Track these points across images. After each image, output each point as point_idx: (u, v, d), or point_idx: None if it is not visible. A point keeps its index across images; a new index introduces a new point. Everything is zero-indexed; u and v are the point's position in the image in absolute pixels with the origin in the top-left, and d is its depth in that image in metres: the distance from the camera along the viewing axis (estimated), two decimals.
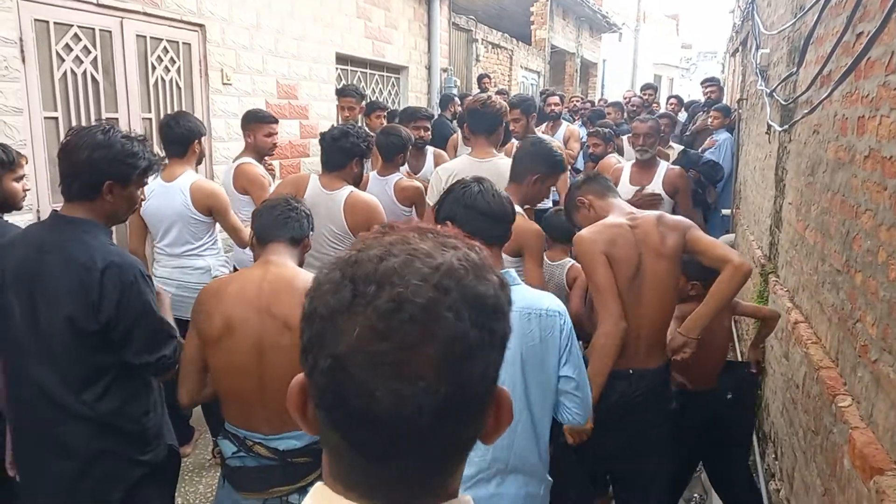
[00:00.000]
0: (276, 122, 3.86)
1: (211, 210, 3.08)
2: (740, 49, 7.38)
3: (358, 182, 3.21)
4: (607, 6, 17.31)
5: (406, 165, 4.15)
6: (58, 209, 1.87)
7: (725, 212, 6.62)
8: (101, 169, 1.79)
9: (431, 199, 3.21)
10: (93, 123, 1.93)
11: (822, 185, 2.68)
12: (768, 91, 3.91)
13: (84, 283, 1.73)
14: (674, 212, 4.06)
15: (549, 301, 1.81)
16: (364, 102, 5.10)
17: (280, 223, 1.98)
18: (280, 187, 3.19)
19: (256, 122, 3.75)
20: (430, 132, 4.51)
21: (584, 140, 6.59)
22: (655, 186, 4.12)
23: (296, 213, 2.04)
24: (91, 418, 1.81)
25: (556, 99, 6.38)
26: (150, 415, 1.94)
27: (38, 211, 3.31)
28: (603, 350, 2.23)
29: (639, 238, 2.32)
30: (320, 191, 3.04)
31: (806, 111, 2.79)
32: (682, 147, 5.62)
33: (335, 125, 3.24)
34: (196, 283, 3.14)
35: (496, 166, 3.07)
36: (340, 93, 5.07)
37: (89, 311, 1.74)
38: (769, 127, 3.93)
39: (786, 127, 3.35)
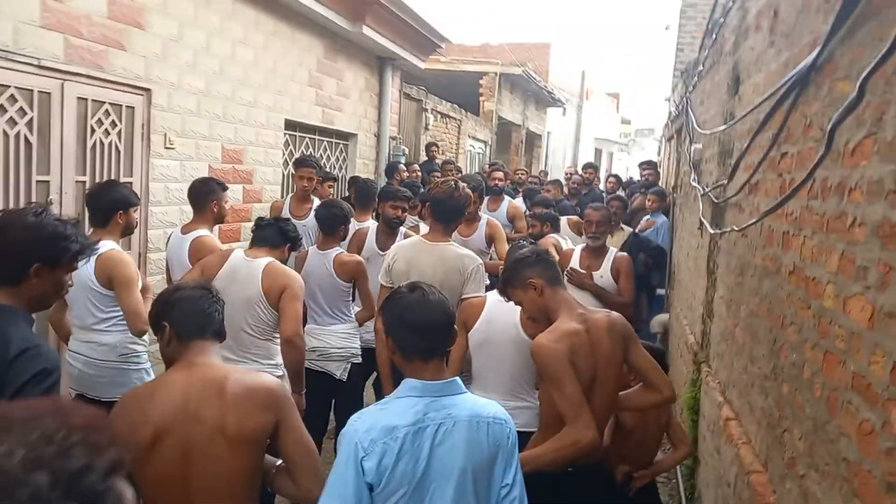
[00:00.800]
0: (226, 189, 3.79)
1: (110, 280, 2.91)
2: (675, 137, 7.79)
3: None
4: (553, 82, 18.12)
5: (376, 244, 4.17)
6: None
7: (660, 292, 6.83)
8: (30, 251, 1.72)
9: (382, 278, 3.22)
10: (23, 206, 1.84)
11: (750, 287, 2.80)
12: (701, 191, 4.10)
13: None
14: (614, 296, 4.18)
15: (496, 408, 1.79)
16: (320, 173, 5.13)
17: (204, 317, 1.88)
18: (211, 262, 3.11)
19: (224, 191, 3.67)
20: (406, 213, 4.47)
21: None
22: (605, 272, 4.24)
23: (217, 303, 1.95)
24: None
25: (499, 174, 6.54)
26: None
27: None
28: (567, 452, 2.18)
29: (593, 344, 2.33)
30: (243, 260, 3.06)
31: (733, 226, 2.92)
32: (632, 230, 5.81)
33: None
34: (103, 361, 2.98)
35: (443, 252, 3.11)
36: (300, 163, 5.01)
37: None
38: (701, 222, 4.11)
39: (717, 231, 3.51)
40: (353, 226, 4.23)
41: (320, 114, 6.64)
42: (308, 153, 6.62)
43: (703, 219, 4.03)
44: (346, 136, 7.42)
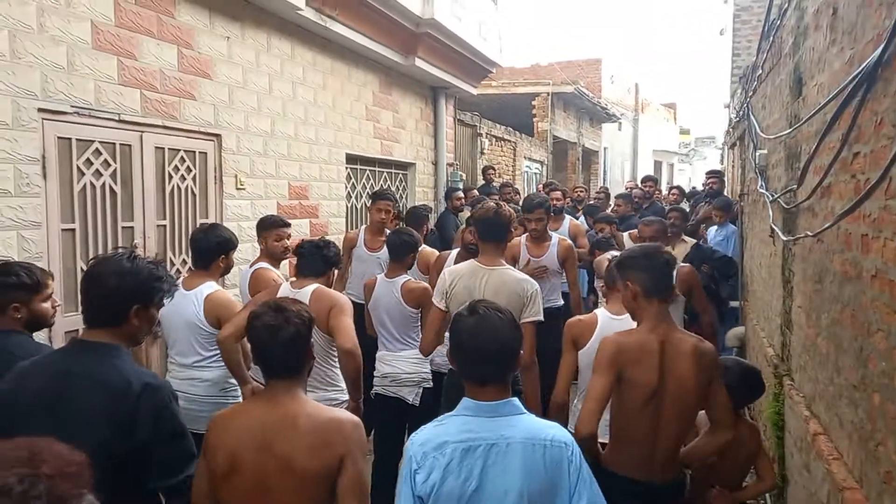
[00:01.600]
0: (287, 225, 3.96)
1: (220, 320, 3.08)
2: (738, 143, 7.58)
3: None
4: (606, 98, 17.98)
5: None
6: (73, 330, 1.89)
7: (734, 304, 6.60)
8: (130, 295, 1.85)
9: (436, 299, 3.24)
10: (114, 251, 1.97)
11: (830, 294, 2.69)
12: (770, 197, 3.98)
13: (119, 407, 1.72)
14: (688, 309, 4.07)
15: (556, 431, 1.73)
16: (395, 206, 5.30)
17: (284, 354, 1.89)
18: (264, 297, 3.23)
19: (267, 228, 3.86)
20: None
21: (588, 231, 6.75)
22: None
23: (299, 336, 1.93)
24: None
25: (558, 194, 6.52)
26: None
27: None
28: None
29: (667, 360, 2.29)
30: (289, 291, 3.15)
31: (807, 231, 2.82)
32: (695, 241, 5.66)
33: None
34: (203, 396, 3.11)
35: (501, 276, 3.10)
36: (378, 196, 5.09)
37: (124, 434, 1.71)
38: (773, 230, 3.98)
39: (791, 238, 3.38)
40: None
41: (379, 146, 6.81)
42: (370, 185, 6.79)
43: (774, 226, 3.89)
44: (404, 166, 7.57)
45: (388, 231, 5.00)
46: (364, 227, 5.32)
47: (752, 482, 2.81)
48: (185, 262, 4.22)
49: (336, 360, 3.09)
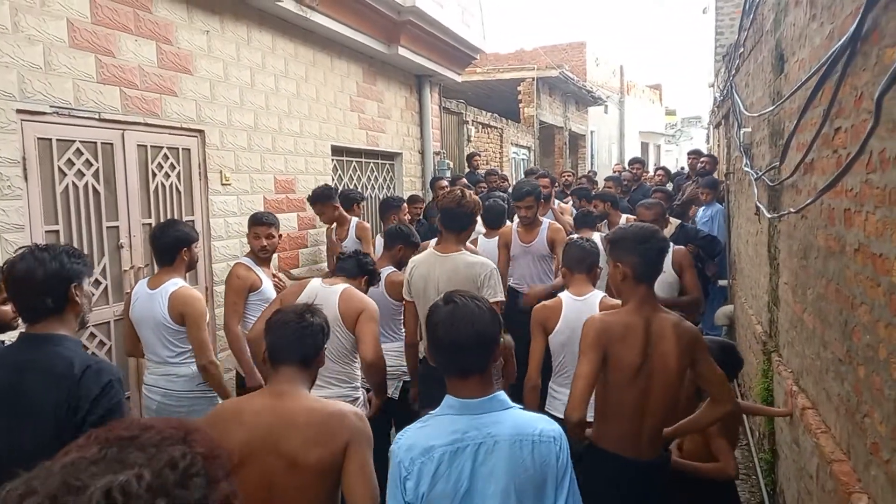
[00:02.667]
0: (263, 224, 3.83)
1: (183, 317, 3.05)
2: (723, 122, 7.60)
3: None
4: (591, 81, 17.95)
5: None
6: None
7: (722, 283, 6.65)
8: (63, 277, 1.90)
9: (405, 291, 3.31)
10: (21, 249, 1.98)
11: (815, 270, 2.71)
12: (755, 175, 4.00)
13: (63, 390, 1.80)
14: (681, 290, 4.09)
15: (544, 424, 1.70)
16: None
17: (291, 343, 1.95)
18: (289, 293, 3.24)
19: (250, 225, 3.90)
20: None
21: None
22: (667, 267, 4.14)
23: (310, 329, 1.99)
24: None
25: (546, 181, 6.51)
26: None
27: None
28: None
29: (652, 339, 2.31)
30: (320, 287, 3.15)
31: (791, 208, 2.83)
32: (679, 221, 5.69)
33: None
34: (180, 392, 3.12)
35: (454, 261, 3.14)
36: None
37: (70, 415, 1.79)
38: (758, 207, 4.00)
39: (775, 215, 3.41)
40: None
41: (364, 137, 6.78)
42: (357, 176, 6.77)
43: (759, 203, 3.92)
44: (391, 156, 7.54)
45: (353, 220, 5.16)
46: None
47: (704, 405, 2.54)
48: None
49: (358, 360, 3.11)
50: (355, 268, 3.22)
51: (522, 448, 1.63)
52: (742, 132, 4.70)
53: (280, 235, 3.98)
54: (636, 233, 2.42)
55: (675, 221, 5.60)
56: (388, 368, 3.62)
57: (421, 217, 6.56)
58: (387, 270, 3.70)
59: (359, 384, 3.16)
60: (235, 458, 1.76)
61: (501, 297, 3.14)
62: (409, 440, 1.67)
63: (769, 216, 3.58)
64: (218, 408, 1.98)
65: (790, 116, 3.11)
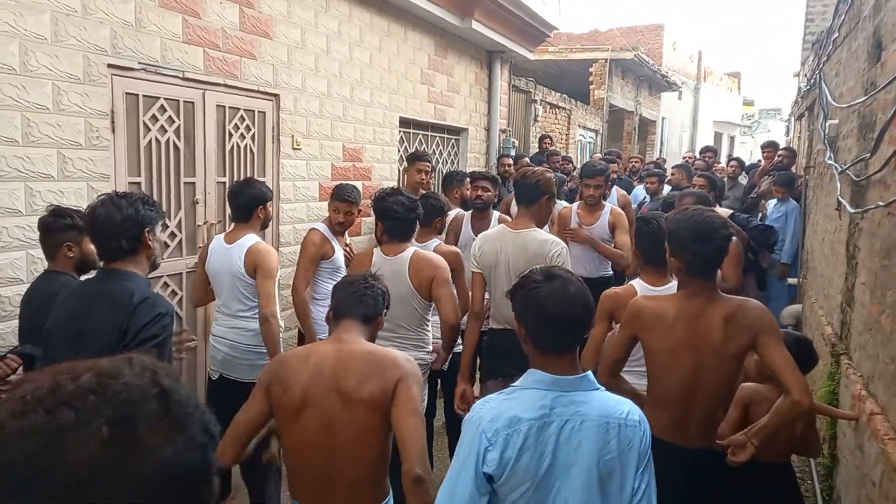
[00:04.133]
0: (349, 201, 3.99)
1: (255, 269, 3.17)
2: (806, 114, 7.24)
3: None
4: (667, 65, 17.37)
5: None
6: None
7: (792, 281, 6.40)
8: (138, 222, 2.08)
9: (472, 264, 3.32)
10: (100, 196, 2.17)
11: None
12: (839, 168, 3.81)
13: (118, 317, 1.99)
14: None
15: (630, 408, 1.69)
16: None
17: (354, 300, 2.10)
18: (355, 265, 3.34)
19: (333, 197, 4.05)
20: (489, 193, 4.65)
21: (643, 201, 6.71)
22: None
23: (372, 290, 2.14)
24: None
25: (614, 166, 6.42)
26: None
27: None
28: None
29: (699, 332, 2.27)
30: (383, 259, 3.19)
31: (880, 202, 2.69)
32: (731, 211, 5.48)
33: (396, 191, 3.36)
34: (247, 345, 3.25)
35: (524, 237, 3.15)
36: (416, 157, 5.30)
37: (120, 339, 1.98)
38: (839, 203, 3.82)
39: (859, 210, 3.25)
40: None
41: (432, 110, 6.79)
42: (423, 149, 6.80)
43: (841, 199, 3.74)
44: (457, 131, 7.54)
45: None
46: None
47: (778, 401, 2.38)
48: None
49: (429, 325, 3.22)
50: (408, 227, 3.23)
51: (609, 430, 1.62)
52: (828, 124, 4.48)
53: (360, 211, 4.09)
54: (692, 229, 2.26)
55: (725, 211, 5.36)
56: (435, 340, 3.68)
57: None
58: (433, 243, 3.69)
59: (430, 348, 3.26)
60: (298, 398, 1.88)
61: None
62: (492, 412, 1.63)
63: (851, 212, 3.41)
64: (287, 353, 2.11)
65: (884, 108, 2.94)
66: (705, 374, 2.28)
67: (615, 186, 6.49)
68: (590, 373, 1.73)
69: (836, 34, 4.67)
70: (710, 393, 2.31)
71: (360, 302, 2.09)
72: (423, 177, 5.14)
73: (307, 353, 2.04)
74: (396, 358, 1.99)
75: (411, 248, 3.16)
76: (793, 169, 7.34)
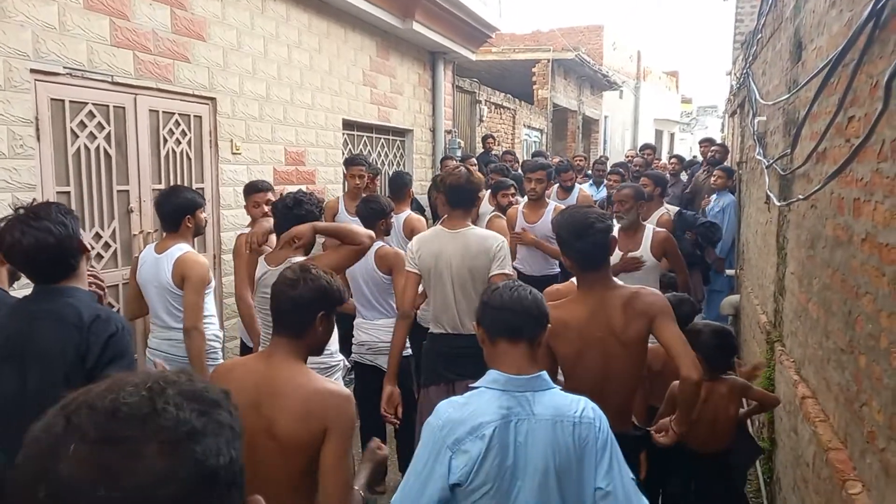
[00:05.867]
0: (263, 190, 3.96)
1: (183, 279, 3.06)
2: (738, 111, 7.52)
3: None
4: (607, 65, 17.76)
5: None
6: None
7: (730, 272, 6.63)
8: (72, 236, 2.00)
9: (408, 265, 3.26)
10: (15, 214, 2.00)
11: (822, 259, 2.70)
12: (766, 163, 3.97)
13: (72, 338, 1.90)
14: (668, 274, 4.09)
15: (584, 406, 1.70)
16: (371, 170, 5.30)
17: (281, 316, 1.91)
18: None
19: (246, 194, 4.00)
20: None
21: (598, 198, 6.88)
22: (644, 251, 4.09)
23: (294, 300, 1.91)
24: None
25: (570, 175, 6.55)
26: None
27: None
28: None
29: (602, 323, 2.32)
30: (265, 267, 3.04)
31: (800, 196, 2.82)
32: (678, 209, 5.64)
33: (289, 193, 3.15)
34: (183, 356, 3.12)
35: (465, 237, 3.14)
36: (350, 162, 5.23)
37: (79, 362, 1.89)
38: (768, 196, 3.98)
39: (784, 203, 3.39)
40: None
41: (376, 112, 6.76)
42: (366, 151, 6.76)
43: (769, 192, 3.90)
44: (402, 133, 7.52)
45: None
46: (342, 194, 5.37)
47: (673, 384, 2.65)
48: None
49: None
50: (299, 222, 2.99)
51: (563, 429, 1.64)
52: (756, 120, 4.66)
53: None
54: (571, 227, 2.37)
55: (672, 208, 5.51)
56: (384, 344, 3.58)
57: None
58: (376, 245, 3.66)
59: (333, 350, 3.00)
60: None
61: (510, 269, 3.15)
62: (451, 417, 1.65)
63: (779, 204, 3.56)
64: (217, 366, 2.02)
65: (805, 105, 3.08)
66: (614, 363, 2.33)
67: (578, 186, 6.67)
68: (543, 373, 1.75)
69: (761, 34, 4.86)
70: (621, 380, 2.37)
71: (284, 316, 1.90)
72: (359, 181, 5.07)
73: (233, 367, 1.96)
74: (328, 398, 1.78)
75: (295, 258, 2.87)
76: (726, 163, 7.61)
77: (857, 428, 2.11)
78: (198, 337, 3.05)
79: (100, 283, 2.38)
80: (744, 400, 3.05)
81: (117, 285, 3.80)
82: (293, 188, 5.25)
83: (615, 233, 4.17)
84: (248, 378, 1.85)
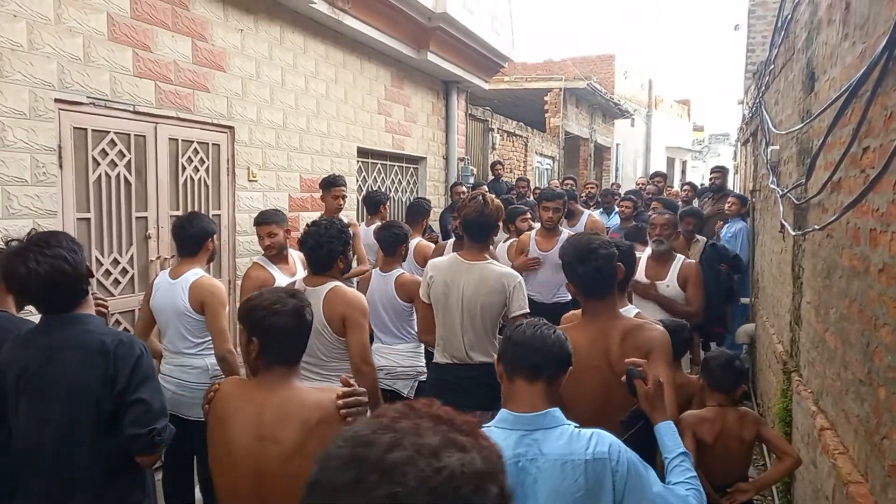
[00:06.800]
0: (266, 223, 3.78)
1: (203, 305, 3.08)
2: (751, 140, 7.54)
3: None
4: (619, 94, 17.89)
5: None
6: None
7: (744, 300, 6.58)
8: (82, 264, 2.00)
9: (421, 292, 3.22)
10: (29, 243, 1.97)
11: (838, 289, 2.68)
12: (780, 192, 3.97)
13: (100, 365, 1.91)
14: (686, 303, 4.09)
15: (595, 441, 1.63)
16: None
17: (290, 347, 1.90)
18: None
19: (255, 225, 3.87)
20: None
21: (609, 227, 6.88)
22: (671, 281, 4.12)
23: (305, 329, 1.94)
24: None
25: (578, 206, 6.58)
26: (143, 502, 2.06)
27: None
28: None
29: (599, 353, 2.28)
30: (304, 289, 2.96)
31: (815, 225, 2.81)
32: (711, 241, 5.62)
33: (316, 222, 3.09)
34: (194, 383, 3.12)
35: (481, 271, 3.07)
36: (332, 183, 4.90)
37: (108, 387, 1.90)
38: (783, 225, 3.97)
39: (800, 233, 3.38)
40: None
41: (390, 140, 6.84)
42: (381, 178, 6.83)
43: (784, 221, 3.89)
44: (415, 160, 7.60)
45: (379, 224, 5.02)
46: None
47: (773, 464, 2.78)
48: None
49: (346, 358, 2.97)
50: (327, 257, 2.95)
51: (573, 468, 1.58)
52: (770, 150, 4.66)
53: (288, 231, 3.92)
54: (574, 253, 2.35)
55: (702, 239, 5.50)
56: (403, 368, 3.64)
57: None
58: (396, 272, 3.67)
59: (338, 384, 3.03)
60: (224, 449, 1.80)
61: (527, 309, 3.07)
62: None
63: (794, 234, 3.55)
64: (216, 398, 1.96)
65: (819, 135, 3.09)
66: (612, 395, 2.26)
67: (586, 211, 6.68)
68: (554, 410, 1.69)
69: (773, 65, 4.90)
70: (620, 411, 2.31)
71: (297, 347, 1.93)
72: (342, 202, 4.91)
73: (230, 396, 1.93)
74: (324, 403, 1.84)
75: (331, 284, 2.92)
76: (733, 187, 7.60)
77: (877, 461, 2.07)
78: (231, 360, 3.06)
79: (104, 305, 2.39)
80: (756, 462, 3.00)
81: (133, 310, 3.84)
82: (308, 215, 5.32)
83: (645, 258, 4.21)
84: (249, 410, 1.82)
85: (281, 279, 3.73)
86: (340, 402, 1.83)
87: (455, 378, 3.11)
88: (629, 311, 2.90)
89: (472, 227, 3.14)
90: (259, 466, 1.78)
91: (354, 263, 4.67)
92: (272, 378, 1.86)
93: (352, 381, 1.94)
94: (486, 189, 7.85)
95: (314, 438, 1.77)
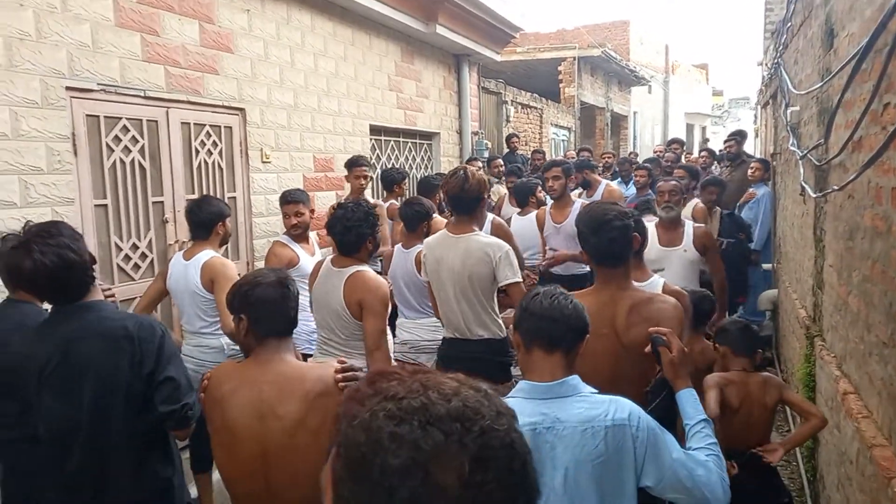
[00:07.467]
0: (293, 202, 3.83)
1: (213, 283, 3.11)
2: (770, 102, 7.36)
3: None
4: (635, 60, 17.56)
5: None
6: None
7: (767, 266, 6.49)
8: (87, 253, 1.99)
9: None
10: (29, 236, 1.94)
11: (861, 251, 2.63)
12: (800, 154, 3.88)
13: (126, 349, 1.91)
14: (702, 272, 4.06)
15: (615, 407, 1.63)
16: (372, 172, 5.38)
17: (280, 318, 1.91)
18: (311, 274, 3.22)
19: (280, 204, 3.95)
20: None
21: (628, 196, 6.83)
22: (687, 245, 4.07)
23: (293, 301, 1.95)
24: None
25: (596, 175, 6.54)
26: (174, 477, 2.11)
27: None
28: None
29: (606, 321, 2.24)
30: (330, 269, 3.01)
31: (836, 186, 2.74)
32: (728, 211, 5.56)
33: (341, 204, 3.09)
34: (211, 363, 3.11)
35: (466, 243, 3.05)
36: (354, 163, 5.01)
37: (136, 370, 1.92)
38: (803, 187, 3.89)
39: (821, 194, 3.31)
40: None
41: (402, 116, 6.80)
42: (395, 156, 6.80)
43: (804, 184, 3.81)
44: (428, 136, 7.55)
45: (401, 201, 5.02)
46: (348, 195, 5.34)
47: (798, 425, 2.77)
48: None
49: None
50: (354, 238, 2.93)
51: (594, 434, 1.57)
52: (789, 111, 4.55)
53: (312, 211, 4.00)
54: (588, 222, 2.33)
55: (717, 210, 5.41)
56: (426, 342, 3.66)
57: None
58: (416, 249, 3.68)
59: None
60: (225, 430, 1.81)
61: (518, 278, 3.04)
62: None
63: (815, 196, 3.47)
64: (210, 381, 1.96)
65: (839, 94, 3.00)
66: (621, 365, 2.24)
67: (604, 181, 6.64)
68: (572, 377, 1.68)
69: (791, 23, 4.76)
70: (631, 381, 2.28)
71: (286, 317, 1.95)
72: (364, 181, 4.95)
73: (227, 378, 1.95)
74: (327, 380, 1.87)
75: (355, 268, 2.91)
76: (755, 153, 7.47)
77: None
78: None
79: (110, 291, 2.41)
80: (781, 429, 2.99)
81: None
82: (323, 195, 5.34)
83: (653, 228, 4.16)
84: (246, 389, 1.85)
85: (305, 257, 3.79)
86: (339, 376, 1.86)
87: (458, 352, 3.13)
88: (655, 281, 2.87)
89: (455, 201, 3.14)
90: (264, 445, 1.80)
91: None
92: (266, 352, 1.88)
93: (347, 362, 1.97)
94: (501, 162, 7.81)
95: (315, 411, 1.79)
